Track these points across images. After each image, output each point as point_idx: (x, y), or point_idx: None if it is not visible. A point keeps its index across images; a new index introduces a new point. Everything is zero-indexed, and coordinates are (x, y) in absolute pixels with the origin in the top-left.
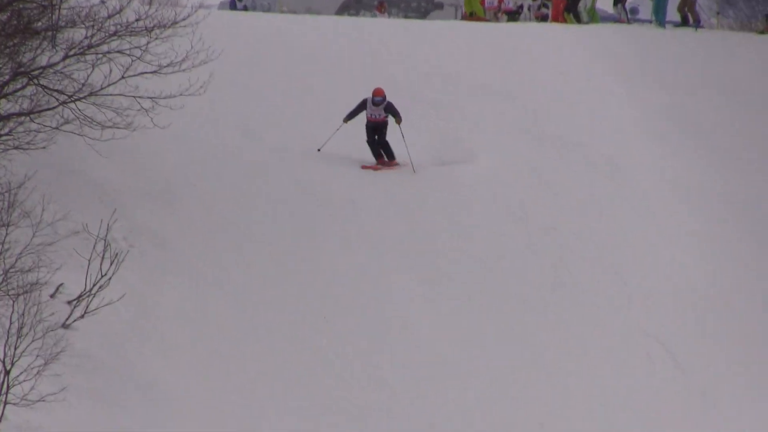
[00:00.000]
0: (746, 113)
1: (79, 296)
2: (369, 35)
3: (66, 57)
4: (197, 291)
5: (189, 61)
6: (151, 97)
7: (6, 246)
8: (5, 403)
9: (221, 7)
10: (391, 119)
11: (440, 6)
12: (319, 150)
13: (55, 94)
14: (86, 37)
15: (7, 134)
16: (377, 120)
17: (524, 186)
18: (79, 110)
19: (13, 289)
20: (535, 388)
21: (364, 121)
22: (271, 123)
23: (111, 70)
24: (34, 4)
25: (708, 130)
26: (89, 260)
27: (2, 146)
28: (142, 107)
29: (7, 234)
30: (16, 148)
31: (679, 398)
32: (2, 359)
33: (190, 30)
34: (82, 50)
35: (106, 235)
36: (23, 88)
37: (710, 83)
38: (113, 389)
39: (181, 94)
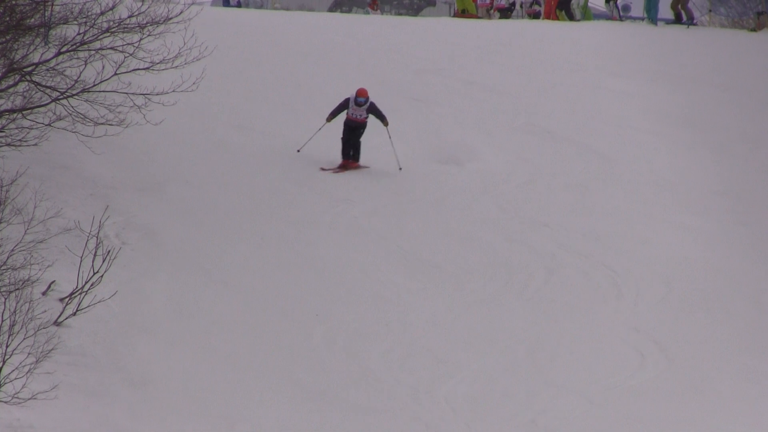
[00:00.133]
0: (739, 108)
1: (72, 293)
2: (361, 32)
3: (59, 54)
4: (190, 287)
5: (182, 57)
6: (143, 94)
7: None
8: None
9: (214, 3)
10: (376, 121)
11: (432, 3)
12: (298, 151)
13: (47, 90)
14: (79, 34)
15: None
16: (357, 120)
17: (516, 181)
18: (72, 107)
19: (4, 286)
20: (527, 384)
21: (344, 118)
22: (264, 119)
23: (104, 67)
24: (27, 1)
25: (701, 126)
26: (81, 257)
27: None
28: (134, 104)
29: None
30: (9, 144)
31: (670, 393)
32: None
33: (182, 27)
34: (74, 47)
35: (98, 233)
36: (16, 84)
37: (703, 79)
38: (105, 386)
39: (173, 91)
